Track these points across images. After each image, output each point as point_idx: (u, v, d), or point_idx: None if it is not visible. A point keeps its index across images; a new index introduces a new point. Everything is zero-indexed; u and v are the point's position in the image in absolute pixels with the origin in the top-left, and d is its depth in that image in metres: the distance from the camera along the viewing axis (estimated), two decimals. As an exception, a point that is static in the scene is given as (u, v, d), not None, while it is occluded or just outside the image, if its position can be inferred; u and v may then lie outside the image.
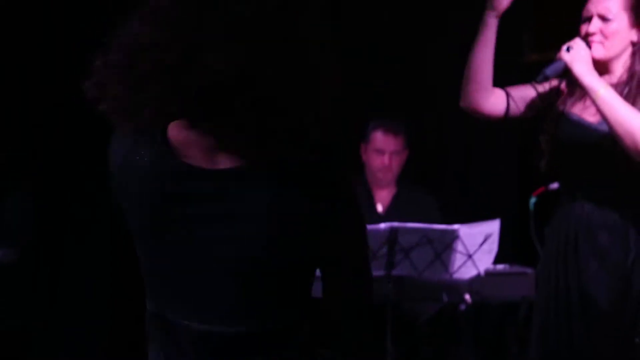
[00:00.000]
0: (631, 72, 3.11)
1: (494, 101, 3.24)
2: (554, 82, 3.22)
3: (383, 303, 4.21)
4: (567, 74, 3.10)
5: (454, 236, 4.18)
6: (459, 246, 4.19)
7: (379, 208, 4.76)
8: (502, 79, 3.26)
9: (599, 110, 3.04)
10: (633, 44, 3.12)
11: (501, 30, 3.19)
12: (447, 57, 5.34)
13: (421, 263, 4.21)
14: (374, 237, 4.06)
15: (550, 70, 3.10)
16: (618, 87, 3.11)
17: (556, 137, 3.18)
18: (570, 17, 3.25)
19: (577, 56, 3.06)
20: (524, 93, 3.25)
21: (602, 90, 3.03)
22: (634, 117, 2.99)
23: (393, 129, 4.75)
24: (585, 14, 3.16)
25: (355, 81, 4.59)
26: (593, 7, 3.13)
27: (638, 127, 2.98)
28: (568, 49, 3.07)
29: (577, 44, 3.08)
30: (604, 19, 3.11)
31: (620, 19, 3.11)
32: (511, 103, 3.23)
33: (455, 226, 4.19)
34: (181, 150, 1.61)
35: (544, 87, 3.23)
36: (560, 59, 3.08)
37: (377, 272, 4.09)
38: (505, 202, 5.16)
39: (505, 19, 3.17)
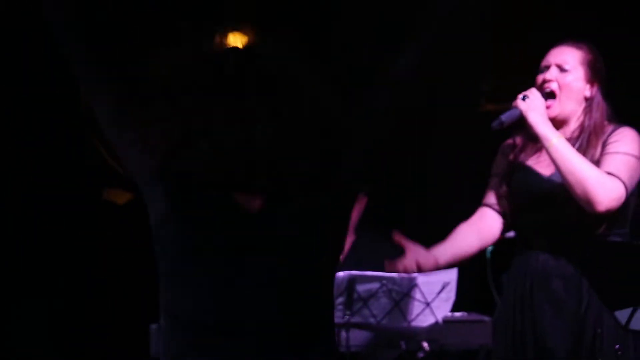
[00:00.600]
0: (583, 126, 3.18)
1: (492, 225, 3.33)
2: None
3: (341, 351, 4.20)
4: (522, 121, 3.16)
5: (412, 284, 4.19)
6: (417, 294, 4.21)
7: (338, 256, 4.76)
8: (460, 127, 3.32)
9: (552, 159, 3.10)
10: (586, 99, 3.19)
11: (460, 80, 3.25)
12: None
13: (379, 311, 4.21)
14: (333, 285, 4.06)
15: (506, 116, 3.17)
16: (571, 141, 3.17)
17: (511, 187, 3.23)
18: (526, 70, 3.32)
19: (532, 105, 3.13)
20: (498, 190, 3.32)
21: (555, 139, 3.09)
22: (585, 166, 3.05)
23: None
24: (543, 64, 3.24)
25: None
26: (552, 58, 3.22)
27: (588, 177, 3.04)
28: (524, 98, 3.14)
29: (533, 93, 3.16)
30: (561, 69, 3.19)
31: (577, 72, 3.19)
32: (500, 209, 3.32)
33: (414, 274, 4.21)
34: None
35: (503, 168, 3.30)
36: (516, 107, 3.15)
37: (335, 320, 4.08)
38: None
39: (465, 70, 3.23)
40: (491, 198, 3.34)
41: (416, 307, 4.25)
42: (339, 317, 4.16)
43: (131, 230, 4.21)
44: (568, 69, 3.19)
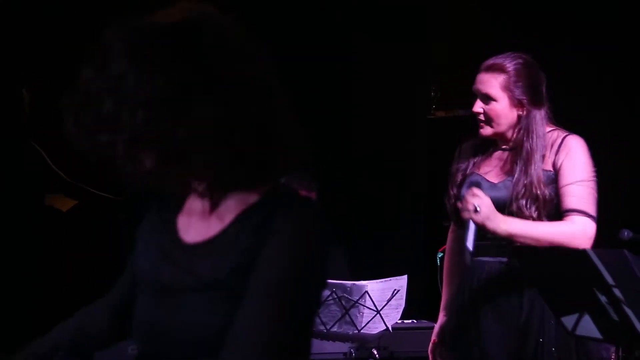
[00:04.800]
0: (523, 139, 3.18)
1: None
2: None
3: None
4: (483, 231, 3.12)
5: (362, 292, 4.18)
6: (367, 302, 4.20)
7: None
8: (410, 134, 3.32)
9: (528, 245, 3.11)
10: (519, 117, 3.20)
11: (412, 89, 3.25)
12: (357, 111, 5.41)
13: (329, 318, 4.20)
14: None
15: (469, 243, 3.09)
16: (514, 152, 3.20)
17: (459, 197, 3.24)
18: (472, 80, 3.31)
19: (485, 213, 3.08)
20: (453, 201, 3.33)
21: (518, 229, 3.10)
22: (557, 235, 3.10)
23: (305, 186, 4.75)
24: (474, 90, 3.23)
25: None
26: (476, 88, 3.21)
27: (565, 241, 3.09)
28: (476, 210, 3.09)
29: (480, 198, 3.10)
30: (486, 99, 3.19)
31: (501, 99, 3.19)
32: None
33: (364, 282, 4.20)
34: None
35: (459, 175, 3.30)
36: (472, 221, 3.09)
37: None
38: (413, 257, 5.20)
39: (417, 80, 3.24)
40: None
41: (366, 315, 4.24)
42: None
43: (75, 237, 4.16)
44: (493, 98, 3.18)
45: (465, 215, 3.09)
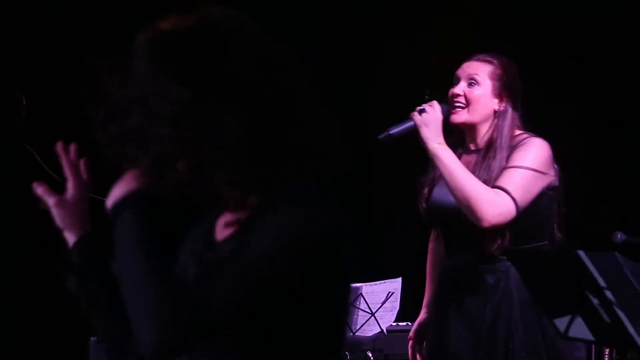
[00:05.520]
0: (492, 139, 3.20)
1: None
2: None
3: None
4: (414, 135, 3.17)
5: (356, 294, 4.19)
6: (362, 304, 4.20)
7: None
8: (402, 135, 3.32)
9: (442, 176, 3.13)
10: (495, 112, 3.23)
11: (407, 91, 3.24)
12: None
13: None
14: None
15: (395, 130, 3.18)
16: (480, 152, 3.21)
17: (428, 200, 3.27)
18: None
19: (427, 120, 3.15)
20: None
21: (445, 157, 3.12)
22: (472, 185, 3.08)
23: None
24: (455, 76, 3.27)
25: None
26: (462, 72, 3.26)
27: (473, 193, 3.07)
28: (421, 111, 3.15)
29: (433, 107, 3.16)
30: (470, 83, 3.22)
31: (485, 86, 3.23)
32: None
33: (358, 284, 4.21)
34: None
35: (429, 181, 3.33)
36: (410, 119, 3.16)
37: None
38: (407, 260, 5.20)
39: (415, 81, 3.24)
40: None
41: (361, 317, 4.25)
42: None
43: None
44: (477, 82, 3.22)
45: (411, 113, 3.15)
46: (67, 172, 1.76)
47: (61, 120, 4.05)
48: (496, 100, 3.22)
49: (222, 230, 1.68)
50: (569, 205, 3.25)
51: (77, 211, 1.76)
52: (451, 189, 3.11)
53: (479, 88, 3.22)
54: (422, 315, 3.42)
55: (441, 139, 3.14)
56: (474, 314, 3.16)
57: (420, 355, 3.41)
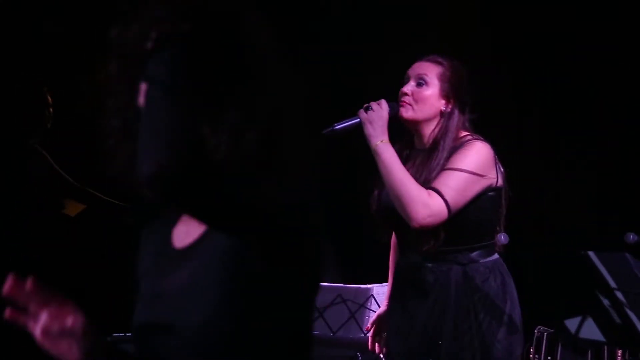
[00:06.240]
0: (437, 139, 3.23)
1: None
2: None
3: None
4: (359, 131, 3.22)
5: (367, 295, 4.20)
6: (373, 305, 4.21)
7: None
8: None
9: (381, 174, 3.17)
10: (442, 113, 3.25)
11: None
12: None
13: (335, 322, 4.21)
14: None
15: (340, 125, 3.23)
16: (424, 152, 3.26)
17: (378, 201, 3.33)
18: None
19: (373, 117, 3.21)
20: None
21: (385, 155, 3.17)
22: (407, 185, 3.13)
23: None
24: (405, 76, 3.33)
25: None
26: (412, 71, 3.32)
27: (405, 193, 3.12)
28: (367, 109, 3.21)
29: (380, 105, 3.23)
30: (418, 83, 3.27)
31: (433, 87, 3.27)
32: None
33: (369, 285, 4.22)
34: None
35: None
36: (357, 116, 3.22)
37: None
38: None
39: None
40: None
41: (372, 318, 4.25)
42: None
43: (83, 241, 4.17)
44: (425, 83, 3.28)
45: (359, 110, 3.21)
46: (33, 308, 1.61)
47: (62, 120, 4.08)
48: (443, 102, 3.27)
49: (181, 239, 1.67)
50: (582, 207, 3.25)
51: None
52: (387, 187, 3.17)
53: (427, 88, 3.27)
54: (383, 307, 3.51)
55: (385, 137, 3.19)
56: (411, 310, 3.24)
57: (379, 345, 3.49)
